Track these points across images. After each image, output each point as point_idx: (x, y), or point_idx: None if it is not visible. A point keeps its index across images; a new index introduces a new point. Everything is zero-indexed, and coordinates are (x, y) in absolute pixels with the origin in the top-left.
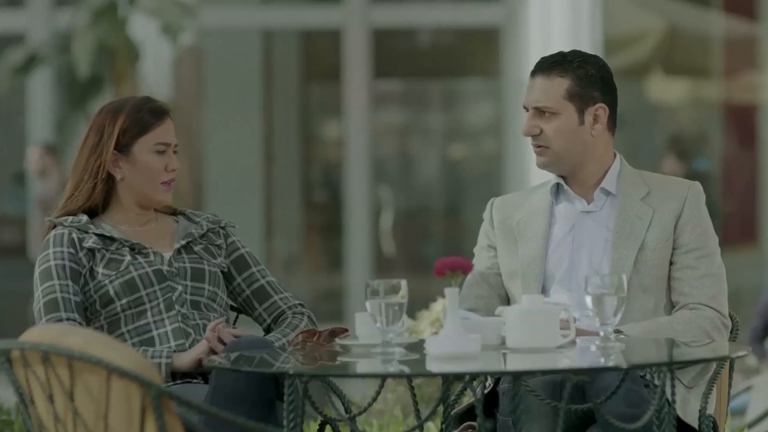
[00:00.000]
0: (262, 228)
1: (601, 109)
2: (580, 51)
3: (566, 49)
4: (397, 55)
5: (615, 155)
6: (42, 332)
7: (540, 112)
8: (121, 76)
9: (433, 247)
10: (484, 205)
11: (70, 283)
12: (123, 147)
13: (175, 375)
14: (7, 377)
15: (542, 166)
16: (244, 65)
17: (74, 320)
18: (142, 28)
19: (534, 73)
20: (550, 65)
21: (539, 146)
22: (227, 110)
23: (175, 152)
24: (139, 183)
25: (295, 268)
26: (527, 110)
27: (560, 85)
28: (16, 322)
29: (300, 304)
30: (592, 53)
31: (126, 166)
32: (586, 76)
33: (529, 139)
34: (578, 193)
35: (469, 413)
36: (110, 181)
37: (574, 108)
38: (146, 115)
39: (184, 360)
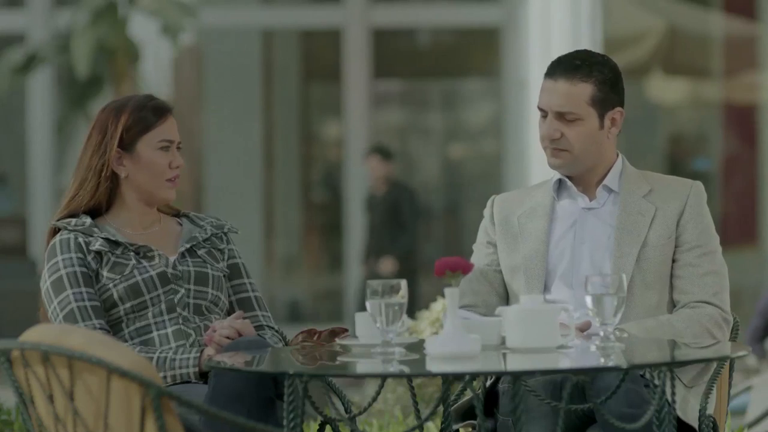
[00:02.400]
0: (262, 228)
1: (619, 113)
2: (593, 52)
3: (566, 49)
4: (397, 55)
5: (618, 154)
6: (42, 332)
7: (561, 116)
8: (121, 76)
9: (433, 247)
10: (484, 205)
11: (83, 289)
12: (127, 145)
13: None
14: (7, 377)
15: (556, 167)
16: (244, 65)
17: (94, 327)
18: (142, 28)
19: (553, 75)
20: (573, 68)
21: (558, 149)
22: (227, 110)
23: (178, 149)
24: (144, 180)
25: (295, 268)
26: (544, 112)
27: (584, 90)
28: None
29: (278, 330)
30: (601, 53)
31: (130, 164)
32: (606, 81)
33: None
34: (580, 190)
35: (470, 410)
36: (114, 180)
37: (596, 113)
38: (149, 112)
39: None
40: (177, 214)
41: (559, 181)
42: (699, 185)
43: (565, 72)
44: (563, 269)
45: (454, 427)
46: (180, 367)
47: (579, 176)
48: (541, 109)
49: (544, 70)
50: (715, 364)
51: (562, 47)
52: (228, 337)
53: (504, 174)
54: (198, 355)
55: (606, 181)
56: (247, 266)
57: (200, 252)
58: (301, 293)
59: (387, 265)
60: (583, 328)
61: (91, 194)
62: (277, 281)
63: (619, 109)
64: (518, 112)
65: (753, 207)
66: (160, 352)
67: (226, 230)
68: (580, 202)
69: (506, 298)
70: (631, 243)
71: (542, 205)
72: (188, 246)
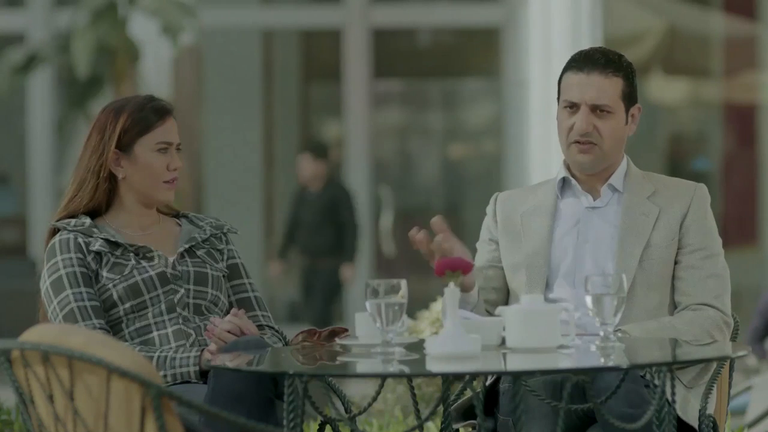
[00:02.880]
0: (262, 228)
1: (637, 109)
2: (609, 49)
3: (566, 49)
4: (397, 55)
5: (623, 155)
6: (42, 332)
7: (595, 109)
8: (121, 76)
9: None
10: (484, 205)
11: (83, 289)
12: (125, 146)
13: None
14: (7, 377)
15: (584, 163)
16: (244, 65)
17: (94, 327)
18: (142, 28)
19: (583, 68)
20: (604, 63)
21: (588, 143)
22: (227, 110)
23: (178, 150)
24: (141, 182)
25: (295, 268)
26: (573, 107)
27: (617, 84)
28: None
29: (278, 330)
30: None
31: (128, 165)
32: (630, 76)
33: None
34: (585, 189)
35: (470, 409)
36: (113, 181)
37: (624, 108)
38: (148, 114)
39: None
40: (176, 215)
41: (563, 179)
42: (703, 188)
43: (596, 65)
44: (566, 268)
45: (455, 426)
46: (180, 366)
47: (592, 175)
48: (571, 104)
49: (544, 69)
50: (715, 364)
51: (562, 47)
52: (229, 332)
53: (504, 174)
54: (198, 354)
55: (611, 180)
56: (246, 266)
57: (199, 252)
58: (301, 293)
59: (347, 271)
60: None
61: (91, 195)
62: (277, 281)
63: (638, 105)
64: (518, 112)
65: (753, 207)
66: (161, 351)
67: (225, 231)
68: (584, 201)
69: (507, 295)
70: (634, 243)
71: (545, 203)
72: (187, 246)
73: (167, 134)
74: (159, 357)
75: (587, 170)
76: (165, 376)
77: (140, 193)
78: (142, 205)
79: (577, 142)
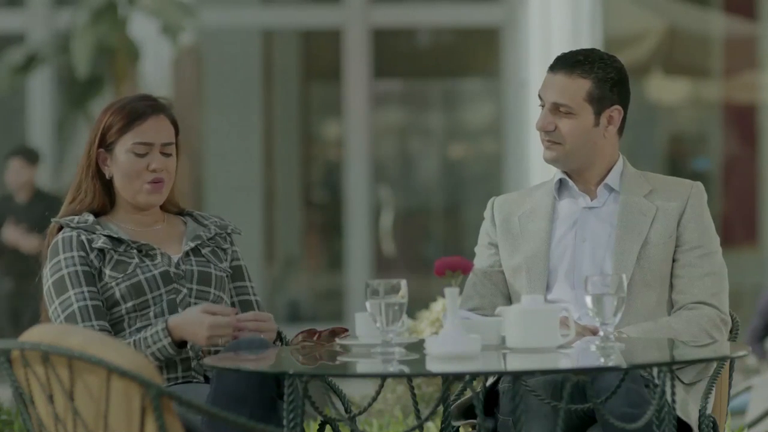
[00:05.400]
0: (262, 228)
1: (616, 111)
2: (600, 51)
3: (566, 49)
4: (397, 55)
5: (619, 155)
6: (42, 332)
7: (557, 108)
8: (121, 76)
9: (433, 247)
10: (484, 205)
11: (85, 288)
12: (108, 145)
13: (177, 372)
14: (7, 377)
15: (550, 160)
16: (244, 65)
17: (93, 329)
18: (142, 28)
19: (554, 68)
20: (572, 64)
21: (551, 141)
22: (227, 110)
23: (166, 154)
24: (121, 183)
25: (295, 268)
26: (542, 104)
27: (581, 86)
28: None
29: (278, 330)
30: (610, 54)
31: (111, 165)
32: (606, 79)
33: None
34: (581, 190)
35: (470, 408)
36: (105, 179)
37: (592, 110)
38: (129, 112)
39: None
40: (181, 213)
41: (560, 181)
42: (699, 186)
43: (564, 66)
44: (565, 269)
45: (455, 424)
46: (154, 343)
47: (579, 175)
48: (539, 98)
49: (544, 70)
50: (715, 364)
51: (562, 47)
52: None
53: (504, 174)
54: (164, 326)
55: (607, 180)
56: (248, 269)
57: (204, 251)
58: (301, 293)
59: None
60: (595, 331)
61: (92, 195)
62: (277, 281)
63: (616, 107)
64: (518, 112)
65: (753, 207)
66: (132, 336)
67: (229, 231)
68: (581, 202)
69: (511, 298)
70: (632, 241)
71: (543, 205)
72: (193, 245)
73: (146, 134)
74: (134, 341)
75: (558, 167)
76: (147, 356)
77: (125, 195)
78: (133, 208)
79: (545, 139)
